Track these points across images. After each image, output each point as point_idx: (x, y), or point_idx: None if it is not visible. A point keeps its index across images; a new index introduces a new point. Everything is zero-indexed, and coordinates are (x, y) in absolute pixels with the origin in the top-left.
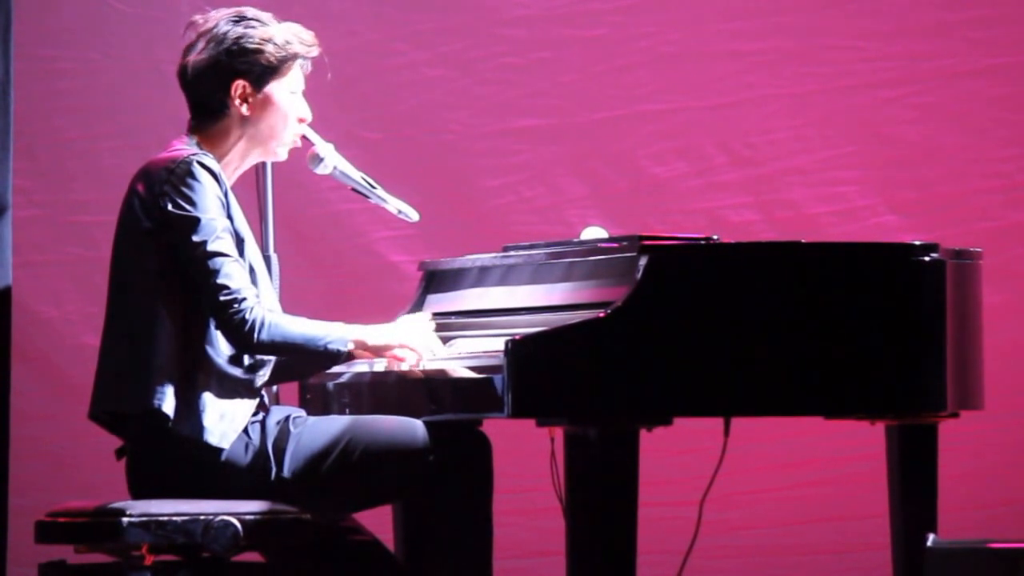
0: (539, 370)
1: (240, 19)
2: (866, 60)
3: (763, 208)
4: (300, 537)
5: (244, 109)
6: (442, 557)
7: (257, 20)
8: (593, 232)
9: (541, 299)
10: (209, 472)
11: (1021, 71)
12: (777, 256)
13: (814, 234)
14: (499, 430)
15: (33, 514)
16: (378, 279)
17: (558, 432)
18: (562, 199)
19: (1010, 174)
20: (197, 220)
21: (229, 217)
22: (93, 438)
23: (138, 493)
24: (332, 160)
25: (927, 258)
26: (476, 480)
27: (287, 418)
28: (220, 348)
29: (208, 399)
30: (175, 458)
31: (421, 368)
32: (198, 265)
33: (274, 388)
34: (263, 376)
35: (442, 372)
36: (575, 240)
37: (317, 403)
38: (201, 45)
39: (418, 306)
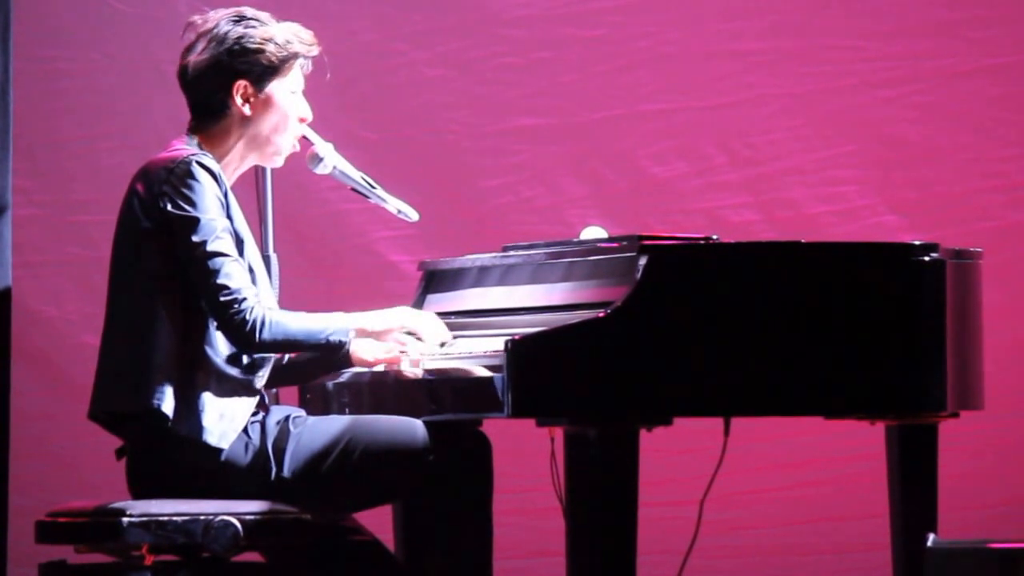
0: (539, 370)
1: (240, 19)
2: (866, 60)
3: (763, 208)
4: (300, 537)
5: (246, 109)
6: (442, 557)
7: (257, 20)
8: (593, 232)
9: (541, 299)
10: (209, 472)
11: (1021, 71)
12: (777, 256)
13: (814, 234)
14: (499, 430)
15: (33, 514)
16: (378, 279)
17: (558, 432)
18: (562, 199)
19: (1010, 174)
20: (197, 220)
21: (229, 217)
22: (93, 438)
23: (138, 493)
24: (332, 160)
25: (927, 258)
26: (476, 480)
27: (287, 418)
28: (219, 348)
29: (207, 399)
30: (175, 458)
31: (422, 367)
32: (198, 265)
33: (274, 388)
34: (262, 376)
35: (442, 372)
36: (575, 240)
37: (317, 403)
38: (201, 45)
39: (418, 306)
